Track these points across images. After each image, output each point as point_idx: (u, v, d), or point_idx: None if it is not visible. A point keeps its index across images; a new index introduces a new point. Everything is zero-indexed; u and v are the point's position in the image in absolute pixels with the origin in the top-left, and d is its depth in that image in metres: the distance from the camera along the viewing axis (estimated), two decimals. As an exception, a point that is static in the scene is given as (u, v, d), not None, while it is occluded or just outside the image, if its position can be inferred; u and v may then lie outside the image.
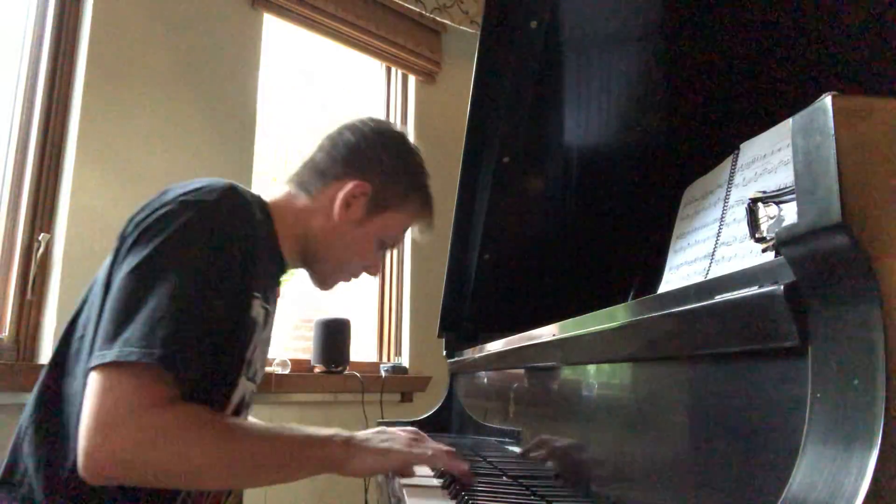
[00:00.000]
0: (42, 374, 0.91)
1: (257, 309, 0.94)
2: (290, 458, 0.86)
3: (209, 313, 0.82)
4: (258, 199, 1.00)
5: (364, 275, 1.14)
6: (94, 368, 0.77)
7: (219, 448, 0.80)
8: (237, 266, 0.87)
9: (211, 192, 0.87)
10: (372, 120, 1.11)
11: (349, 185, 1.03)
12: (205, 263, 0.83)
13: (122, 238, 0.87)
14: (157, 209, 0.86)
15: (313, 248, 1.06)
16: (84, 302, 0.92)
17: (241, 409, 0.98)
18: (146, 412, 0.75)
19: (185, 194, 0.87)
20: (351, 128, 1.08)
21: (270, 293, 1.02)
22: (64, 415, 0.85)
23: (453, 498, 0.83)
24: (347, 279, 1.13)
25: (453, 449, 0.98)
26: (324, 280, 1.12)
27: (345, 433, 0.91)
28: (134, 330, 0.76)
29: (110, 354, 0.75)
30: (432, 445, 0.97)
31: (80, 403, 0.81)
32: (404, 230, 1.13)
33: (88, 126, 1.83)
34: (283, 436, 0.86)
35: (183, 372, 0.78)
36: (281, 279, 1.10)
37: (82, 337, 0.87)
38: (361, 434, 0.93)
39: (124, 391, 0.75)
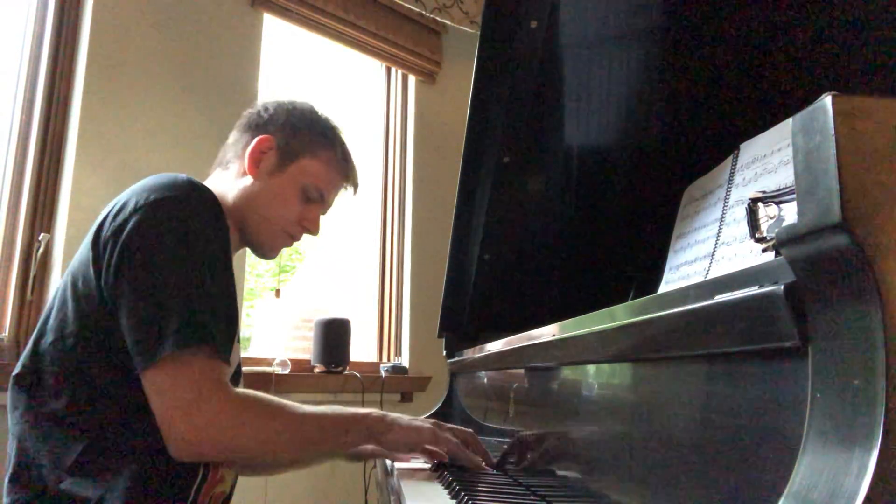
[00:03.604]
0: (19, 370, 0.93)
1: None
2: (341, 433, 0.95)
3: (221, 292, 0.91)
4: None
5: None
6: (150, 367, 0.83)
7: (288, 426, 0.91)
8: (224, 246, 0.94)
9: (177, 188, 0.92)
10: (275, 98, 1.18)
11: (254, 142, 1.09)
12: (204, 250, 0.90)
13: (101, 245, 0.89)
14: (131, 214, 0.89)
15: (242, 214, 1.09)
16: (52, 307, 0.94)
17: (238, 381, 1.05)
18: (217, 393, 0.85)
19: (152, 195, 0.90)
20: (253, 105, 1.17)
21: None
22: (52, 410, 0.89)
23: (453, 497, 0.83)
24: (288, 241, 1.15)
25: (475, 437, 1.06)
26: (263, 245, 1.14)
27: (378, 411, 1.01)
28: (176, 321, 0.83)
29: (166, 347, 0.82)
30: (458, 433, 1.05)
31: (67, 399, 0.87)
32: (326, 179, 1.14)
33: (88, 126, 1.83)
34: (333, 414, 0.96)
35: (224, 348, 0.87)
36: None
37: (58, 339, 0.90)
38: (395, 414, 1.02)
39: (192, 377, 0.83)
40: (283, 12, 2.35)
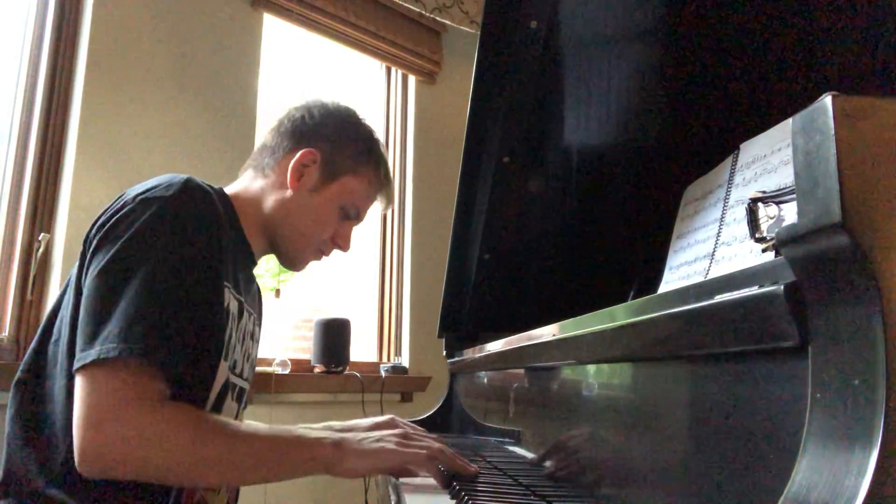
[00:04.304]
0: (19, 376, 0.92)
1: (229, 299, 0.95)
2: (279, 459, 0.85)
3: (182, 303, 0.83)
4: (219, 191, 1.01)
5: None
6: (79, 370, 0.78)
7: (207, 447, 0.80)
8: (204, 254, 0.88)
9: (169, 188, 0.88)
10: (319, 99, 1.13)
11: (298, 155, 1.05)
12: (172, 255, 0.84)
13: (87, 242, 0.88)
14: (118, 210, 0.87)
15: (275, 226, 1.06)
16: (58, 307, 0.93)
17: (223, 397, 0.98)
18: (134, 409, 0.77)
19: (143, 193, 0.88)
20: (297, 107, 1.12)
21: (243, 285, 1.03)
22: (46, 413, 0.87)
23: (453, 497, 0.83)
24: (318, 256, 1.13)
25: (447, 447, 0.94)
26: (293, 259, 1.11)
27: (336, 435, 0.90)
28: (112, 328, 0.78)
29: (92, 353, 0.77)
30: (427, 444, 0.93)
31: (62, 402, 0.84)
32: (365, 197, 1.12)
33: (88, 126, 1.83)
34: (273, 437, 0.86)
35: (163, 363, 0.79)
36: (252, 270, 1.10)
37: (57, 340, 0.89)
38: (355, 436, 0.92)
39: (110, 388, 0.77)
40: (283, 12, 2.36)
